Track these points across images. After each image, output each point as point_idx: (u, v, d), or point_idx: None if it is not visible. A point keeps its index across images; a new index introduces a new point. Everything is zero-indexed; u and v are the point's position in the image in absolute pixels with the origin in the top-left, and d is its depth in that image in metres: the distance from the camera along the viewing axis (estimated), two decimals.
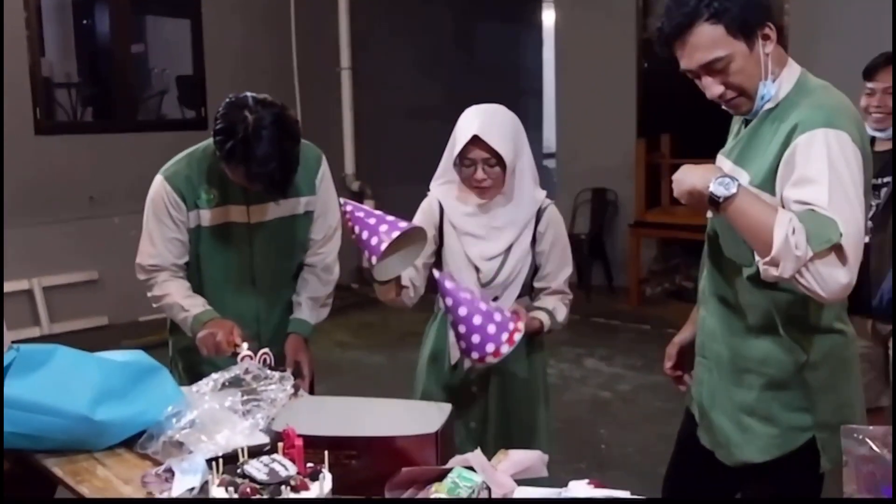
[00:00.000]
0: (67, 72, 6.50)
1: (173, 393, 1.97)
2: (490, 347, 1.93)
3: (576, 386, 4.63)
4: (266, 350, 2.16)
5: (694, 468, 1.90)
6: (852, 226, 1.47)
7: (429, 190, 2.30)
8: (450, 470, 1.48)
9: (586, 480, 1.44)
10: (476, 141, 2.08)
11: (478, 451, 1.50)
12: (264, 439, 1.84)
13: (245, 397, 2.03)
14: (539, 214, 2.23)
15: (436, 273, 2.07)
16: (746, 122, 1.72)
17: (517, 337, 1.95)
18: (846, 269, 1.46)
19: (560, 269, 2.27)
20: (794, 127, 1.57)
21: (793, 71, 1.66)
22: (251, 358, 2.14)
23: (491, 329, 1.94)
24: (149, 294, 2.35)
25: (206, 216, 2.27)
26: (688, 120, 6.29)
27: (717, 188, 1.52)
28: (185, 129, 6.18)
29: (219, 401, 2.12)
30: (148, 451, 1.85)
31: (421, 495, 1.47)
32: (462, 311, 1.95)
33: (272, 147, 2.04)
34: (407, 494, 1.51)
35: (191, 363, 2.39)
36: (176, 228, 2.28)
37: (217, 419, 2.00)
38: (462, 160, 2.13)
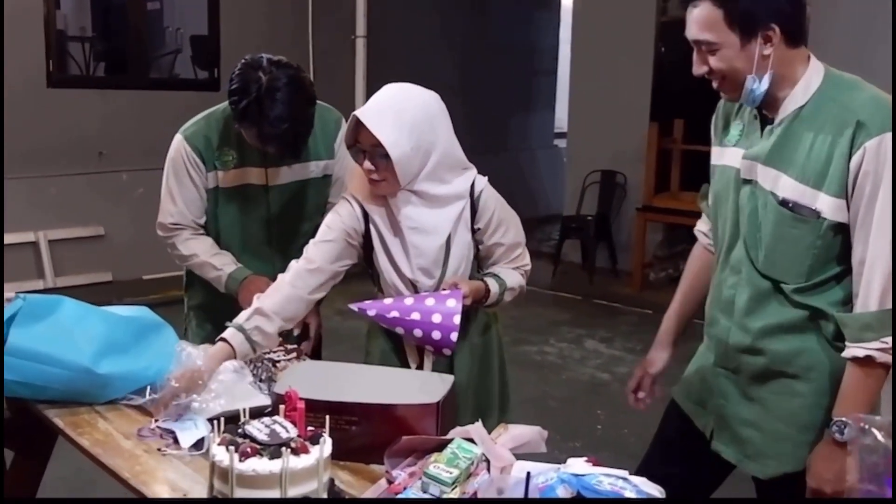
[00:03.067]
0: (82, 25, 6.46)
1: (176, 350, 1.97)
2: (454, 336, 1.82)
3: (574, 366, 4.65)
4: None
5: (675, 466, 1.86)
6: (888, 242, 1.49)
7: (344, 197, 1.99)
8: (450, 440, 1.49)
9: (584, 458, 1.44)
10: (360, 126, 1.83)
11: (478, 424, 1.51)
12: (265, 401, 1.85)
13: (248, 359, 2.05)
14: (474, 203, 1.95)
15: (352, 307, 1.89)
16: (762, 118, 1.65)
17: (459, 303, 1.83)
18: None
19: (512, 248, 2.02)
20: (854, 122, 1.50)
21: (815, 69, 1.59)
22: None
23: (436, 318, 1.82)
24: (173, 252, 2.35)
25: (223, 177, 2.27)
26: (702, 106, 6.25)
27: (851, 433, 1.48)
28: (197, 89, 6.16)
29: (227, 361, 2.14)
30: (149, 406, 1.86)
31: (420, 465, 1.48)
32: (402, 325, 1.86)
33: (285, 108, 2.03)
34: (405, 463, 1.52)
35: (203, 320, 2.42)
36: (195, 188, 2.28)
37: (219, 379, 2.02)
38: (354, 146, 1.88)
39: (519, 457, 1.53)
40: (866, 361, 1.51)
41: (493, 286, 1.97)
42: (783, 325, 1.63)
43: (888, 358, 1.49)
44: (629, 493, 1.31)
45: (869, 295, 1.50)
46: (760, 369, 1.68)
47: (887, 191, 1.48)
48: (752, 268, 1.65)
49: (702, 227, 1.94)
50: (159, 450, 1.68)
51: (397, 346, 2.01)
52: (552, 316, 5.49)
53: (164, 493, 1.51)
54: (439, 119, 1.89)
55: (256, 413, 1.56)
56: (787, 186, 1.58)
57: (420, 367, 1.98)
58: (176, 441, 1.71)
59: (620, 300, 5.84)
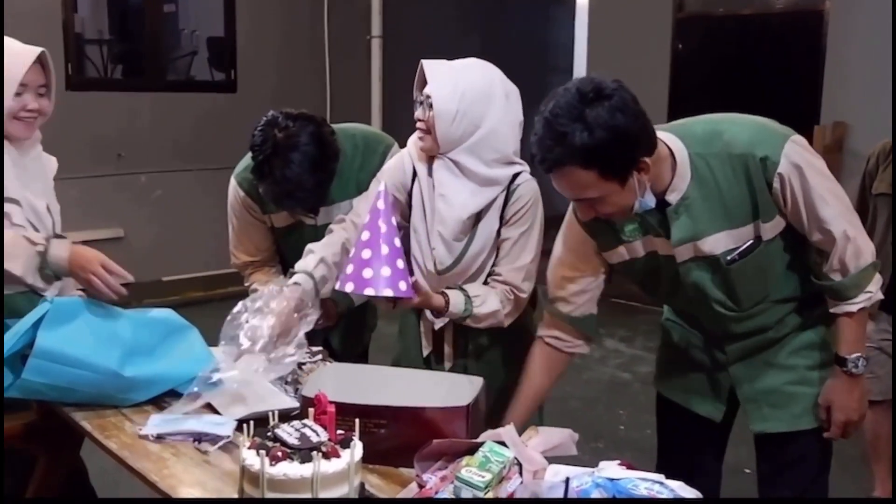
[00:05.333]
0: (99, 28, 6.49)
1: (202, 353, 1.97)
2: (402, 285, 1.75)
3: (595, 366, 4.62)
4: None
5: (692, 454, 1.95)
6: (851, 211, 1.66)
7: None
8: (481, 444, 1.47)
9: (617, 461, 1.43)
10: (422, 72, 1.90)
11: (510, 427, 1.49)
12: (293, 403, 1.85)
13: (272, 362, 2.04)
14: (510, 193, 1.93)
15: (381, 186, 1.82)
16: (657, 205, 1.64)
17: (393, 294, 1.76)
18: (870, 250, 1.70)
19: (516, 256, 1.94)
20: (756, 162, 1.59)
21: (675, 146, 1.62)
22: None
23: (385, 272, 1.74)
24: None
25: (276, 218, 2.29)
26: (720, 104, 6.23)
27: (862, 366, 1.70)
28: (213, 90, 6.18)
29: (247, 364, 2.13)
30: (175, 410, 1.86)
31: (451, 468, 1.46)
32: (365, 237, 1.76)
33: (299, 168, 2.00)
34: (436, 466, 1.50)
35: None
36: (256, 226, 2.31)
37: (245, 381, 2.01)
38: (419, 95, 1.93)
39: (549, 460, 1.52)
40: (858, 312, 1.68)
41: (456, 306, 1.89)
42: (777, 317, 1.77)
43: (873, 301, 1.68)
44: (666, 498, 1.29)
45: (845, 263, 1.64)
46: (769, 344, 1.79)
47: (815, 184, 1.60)
48: (738, 313, 1.75)
49: (550, 332, 1.88)
50: (197, 447, 1.68)
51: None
52: None
53: (194, 495, 1.50)
54: (497, 99, 1.89)
55: (283, 415, 1.55)
56: (725, 241, 1.65)
57: (440, 354, 2.06)
58: (198, 441, 1.70)
59: (640, 299, 5.76)
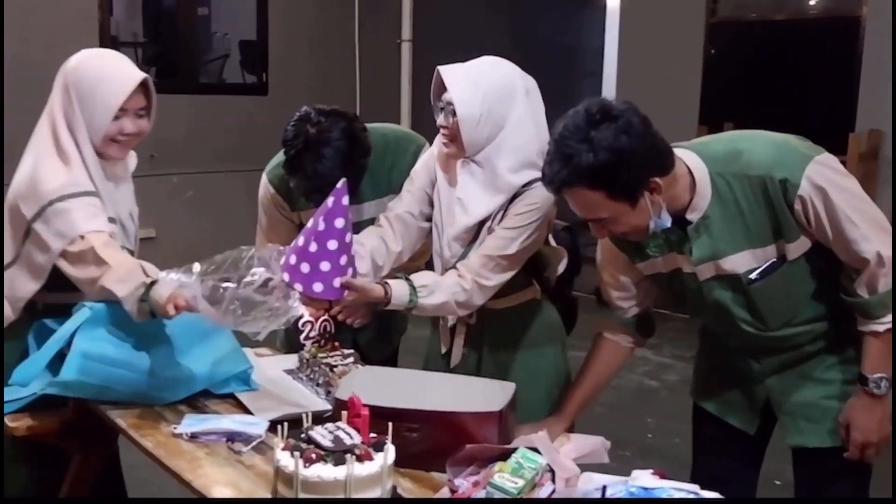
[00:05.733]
0: (134, 31, 6.59)
1: (236, 354, 1.99)
2: (318, 287, 1.75)
3: (622, 373, 4.51)
4: (327, 318, 2.17)
5: (728, 464, 1.92)
6: (884, 224, 1.61)
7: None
8: (513, 449, 1.47)
9: (651, 470, 1.42)
10: (440, 78, 1.88)
11: (543, 433, 1.49)
12: (324, 406, 1.86)
13: (306, 363, 2.06)
14: (516, 195, 1.90)
15: (340, 183, 1.80)
16: (676, 223, 1.64)
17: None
18: None
19: (494, 247, 1.88)
20: (776, 184, 1.57)
21: (694, 164, 1.61)
22: (311, 324, 2.16)
23: (324, 266, 1.75)
24: None
25: (305, 216, 2.28)
26: (752, 108, 6.18)
27: (885, 387, 1.65)
28: (245, 93, 6.23)
29: (280, 365, 2.16)
30: (209, 410, 1.88)
31: (483, 474, 1.46)
32: (306, 227, 1.77)
33: (330, 162, 2.00)
34: (468, 472, 1.50)
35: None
36: (286, 222, 2.31)
37: (278, 383, 2.03)
38: (437, 101, 1.92)
39: (581, 467, 1.51)
40: (885, 333, 1.64)
41: (399, 298, 1.84)
42: (813, 333, 1.74)
43: None
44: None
45: (874, 283, 1.60)
46: (806, 357, 1.76)
47: (840, 204, 1.57)
48: (763, 332, 1.72)
49: (606, 331, 1.93)
50: (230, 447, 1.69)
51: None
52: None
53: (227, 495, 1.52)
54: (519, 96, 1.88)
55: (316, 417, 1.56)
56: (747, 260, 1.64)
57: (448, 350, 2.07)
58: (230, 440, 1.72)
59: (667, 306, 5.74)
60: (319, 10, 6.44)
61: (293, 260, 1.77)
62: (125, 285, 1.74)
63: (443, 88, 1.89)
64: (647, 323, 1.93)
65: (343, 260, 1.78)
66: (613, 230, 1.62)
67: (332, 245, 1.76)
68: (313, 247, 1.76)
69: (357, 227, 2.25)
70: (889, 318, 1.62)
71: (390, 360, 2.49)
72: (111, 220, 1.95)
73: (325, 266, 1.76)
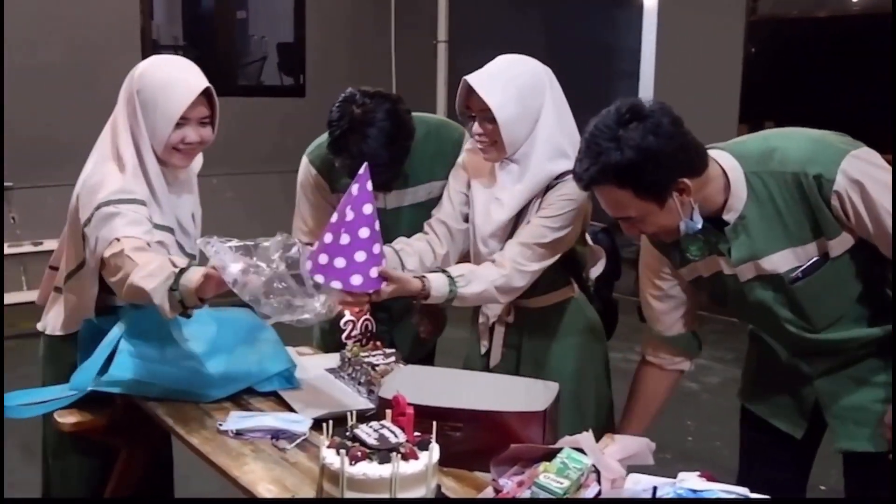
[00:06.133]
0: (174, 35, 6.68)
1: (279, 352, 2.01)
2: (356, 280, 1.70)
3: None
4: (369, 317, 2.18)
5: (774, 471, 1.89)
6: None
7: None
8: (558, 450, 1.46)
9: (698, 473, 1.40)
10: (472, 90, 1.89)
11: (588, 434, 1.48)
12: (366, 405, 1.87)
13: (349, 362, 2.07)
14: (549, 187, 1.94)
15: (363, 168, 1.78)
16: (713, 223, 1.64)
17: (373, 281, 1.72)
18: None
19: (530, 235, 1.91)
20: (811, 181, 1.55)
21: (728, 165, 1.60)
22: (353, 323, 2.17)
23: (360, 257, 1.71)
24: None
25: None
26: (793, 106, 6.08)
27: None
28: (283, 95, 6.29)
29: (321, 364, 2.17)
30: (253, 408, 1.90)
31: (527, 474, 1.45)
32: (333, 219, 1.73)
33: (375, 142, 2.02)
34: (512, 471, 1.50)
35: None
36: (325, 206, 2.31)
37: (320, 381, 2.05)
38: (465, 111, 1.95)
39: (627, 469, 1.50)
40: None
41: (439, 289, 1.83)
42: (865, 336, 1.69)
43: None
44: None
45: None
46: (864, 363, 1.72)
47: (878, 196, 1.53)
48: (810, 333, 1.70)
49: (650, 351, 1.91)
50: (274, 444, 1.71)
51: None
52: (636, 323, 5.36)
53: (273, 493, 1.53)
54: (546, 88, 1.92)
55: (358, 416, 1.56)
56: (789, 259, 1.62)
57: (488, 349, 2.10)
58: (275, 438, 1.74)
59: (705, 307, 5.67)
60: (355, 11, 6.48)
61: (324, 259, 1.72)
62: (153, 279, 1.69)
63: (470, 97, 1.91)
64: (694, 338, 1.90)
65: (376, 248, 1.75)
66: (643, 229, 1.63)
67: (364, 233, 1.73)
68: (345, 238, 1.71)
69: (399, 214, 2.28)
70: None
71: (426, 361, 2.49)
72: (167, 228, 1.96)
73: (360, 256, 1.72)
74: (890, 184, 1.56)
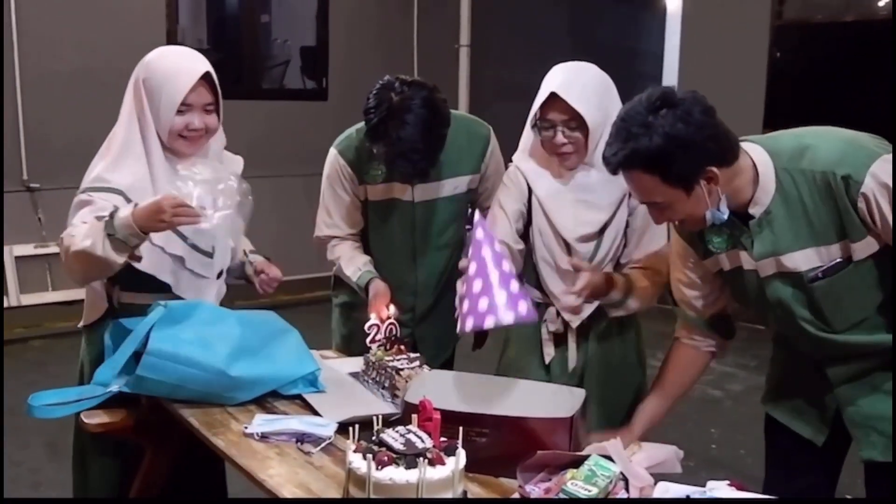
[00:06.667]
0: (199, 38, 6.72)
1: (304, 355, 2.01)
2: (523, 308, 1.64)
3: None
4: (393, 321, 2.18)
5: (800, 479, 1.87)
6: None
7: (510, 161, 2.17)
8: (586, 457, 1.45)
9: (727, 482, 1.39)
10: (555, 99, 1.93)
11: (616, 441, 1.47)
12: (391, 409, 1.86)
13: (372, 366, 2.07)
14: None
15: (477, 215, 1.78)
16: (739, 218, 1.64)
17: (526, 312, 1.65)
18: None
19: (648, 243, 2.04)
20: (839, 181, 1.53)
21: (760, 159, 1.60)
22: (377, 327, 2.17)
23: (514, 287, 1.66)
24: (328, 258, 2.44)
25: (372, 191, 2.32)
26: (819, 112, 6.01)
27: None
28: (305, 98, 6.31)
29: (345, 368, 2.17)
30: (278, 411, 1.90)
31: (555, 481, 1.45)
32: (472, 270, 1.68)
33: (411, 129, 2.04)
34: (538, 478, 1.49)
35: (346, 318, 2.49)
36: (350, 199, 2.34)
37: (343, 385, 2.05)
38: (541, 122, 1.98)
39: (654, 477, 1.49)
40: None
41: (620, 286, 1.96)
42: (885, 343, 1.66)
43: None
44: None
45: None
46: (879, 372, 1.69)
47: None
48: (829, 334, 1.67)
49: (683, 333, 1.92)
50: (300, 447, 1.71)
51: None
52: (659, 328, 5.30)
53: (299, 495, 1.53)
54: (613, 89, 2.01)
55: (383, 421, 1.56)
56: (811, 258, 1.61)
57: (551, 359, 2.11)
58: (300, 441, 1.74)
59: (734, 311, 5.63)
60: (378, 15, 6.49)
61: (483, 305, 1.63)
62: (89, 238, 1.79)
63: (550, 107, 1.94)
64: (725, 323, 1.88)
65: (517, 280, 1.71)
66: (670, 217, 1.63)
67: (507, 266, 1.69)
68: (494, 275, 1.65)
69: (435, 205, 2.29)
70: None
71: (446, 365, 2.49)
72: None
73: (514, 286, 1.67)
74: None
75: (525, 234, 2.10)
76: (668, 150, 1.50)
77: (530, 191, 2.07)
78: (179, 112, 1.96)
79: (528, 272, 2.12)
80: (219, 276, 2.13)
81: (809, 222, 1.59)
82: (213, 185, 1.87)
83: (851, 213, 1.55)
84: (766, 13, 6.16)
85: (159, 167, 1.98)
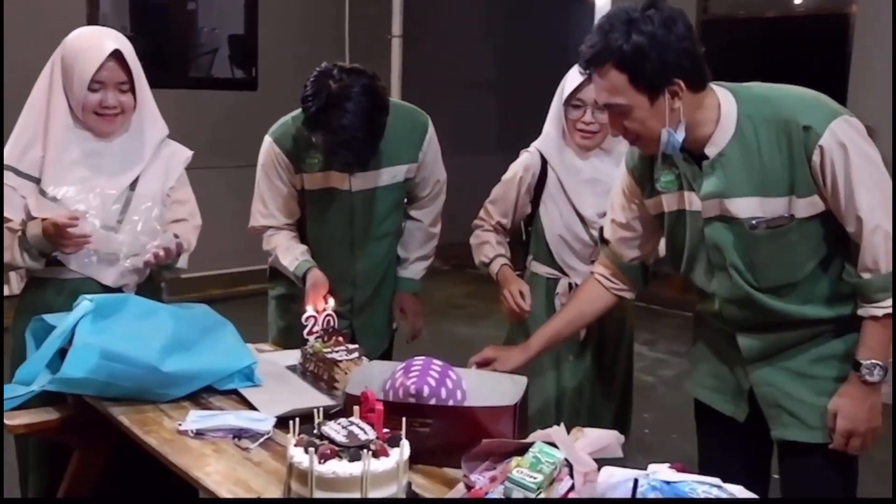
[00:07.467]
0: (122, 25, 6.50)
1: (239, 349, 1.96)
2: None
3: None
4: (330, 312, 2.14)
5: (736, 457, 1.89)
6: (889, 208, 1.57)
7: (526, 150, 2.29)
8: (530, 444, 1.45)
9: (667, 464, 1.40)
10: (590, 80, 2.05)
11: (560, 427, 1.47)
12: (329, 401, 1.83)
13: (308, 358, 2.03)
14: None
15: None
16: (695, 159, 1.67)
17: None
18: None
19: None
20: (799, 130, 1.57)
21: (725, 99, 1.64)
22: (315, 318, 2.13)
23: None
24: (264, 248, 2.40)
25: (308, 180, 2.28)
26: None
27: (879, 374, 1.62)
28: (234, 88, 6.17)
29: (281, 361, 2.13)
30: (213, 406, 1.85)
31: (500, 469, 1.44)
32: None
33: (351, 118, 2.00)
34: (483, 467, 1.48)
35: (284, 310, 2.45)
36: (286, 188, 2.29)
37: (280, 379, 2.00)
38: (571, 100, 2.14)
39: (597, 462, 1.49)
40: (884, 318, 1.60)
41: None
42: (802, 316, 1.70)
43: None
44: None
45: (877, 260, 1.58)
46: (798, 355, 1.73)
47: (858, 167, 1.55)
48: (752, 289, 1.69)
49: (600, 270, 1.98)
50: (237, 443, 1.66)
51: None
52: (670, 332, 5.34)
53: (239, 493, 1.48)
54: None
55: (325, 414, 1.53)
56: (754, 207, 1.63)
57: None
58: (237, 437, 1.69)
59: (662, 303, 5.72)
60: (310, 5, 6.39)
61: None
62: (8, 252, 1.91)
63: (582, 88, 2.09)
64: (643, 271, 1.96)
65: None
66: (628, 126, 1.64)
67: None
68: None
69: (373, 194, 2.27)
70: (887, 301, 1.59)
71: (385, 356, 2.47)
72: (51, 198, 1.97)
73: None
74: (873, 158, 1.57)
75: (532, 215, 2.28)
76: (643, 50, 1.54)
77: (542, 176, 2.22)
78: (93, 90, 1.96)
79: (540, 249, 2.28)
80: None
81: (762, 171, 1.61)
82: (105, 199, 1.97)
83: (804, 166, 1.57)
84: (692, 8, 6.29)
85: (58, 146, 1.97)
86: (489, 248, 2.27)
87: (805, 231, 1.64)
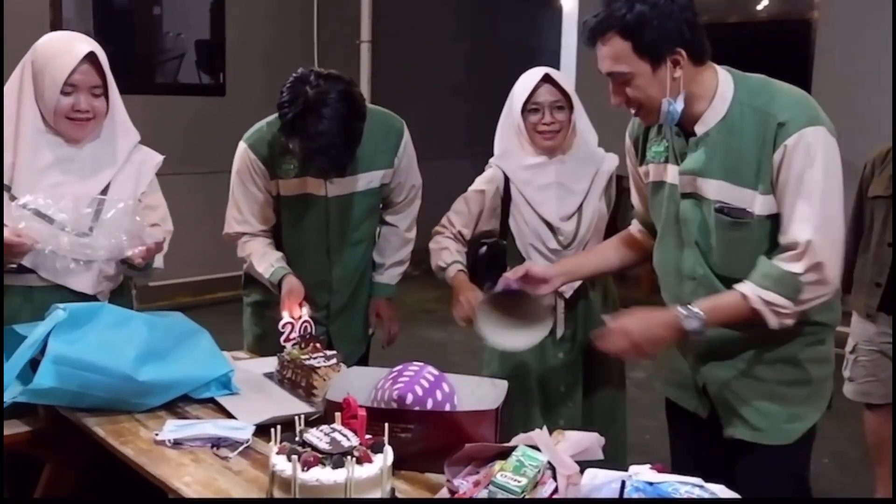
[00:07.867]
0: (86, 30, 6.40)
1: (215, 357, 1.94)
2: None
3: None
4: (307, 319, 2.13)
5: (706, 453, 1.89)
6: (833, 230, 1.60)
7: (489, 166, 2.32)
8: (512, 448, 1.45)
9: (649, 465, 1.41)
10: (545, 82, 2.18)
11: (543, 431, 1.47)
12: (307, 408, 1.82)
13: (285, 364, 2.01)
14: (602, 164, 2.32)
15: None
16: (683, 133, 1.72)
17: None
18: (830, 281, 1.61)
19: None
20: (775, 125, 1.60)
21: (725, 79, 1.68)
22: (292, 325, 2.11)
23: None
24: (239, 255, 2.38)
25: (284, 185, 2.26)
26: None
27: (693, 325, 1.63)
28: (202, 93, 6.11)
29: (258, 368, 2.11)
30: (190, 416, 1.83)
31: (483, 473, 1.44)
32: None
33: (328, 124, 1.99)
34: (466, 472, 1.48)
35: (259, 317, 2.43)
36: (261, 194, 2.27)
37: (257, 386, 1.99)
38: (528, 105, 2.19)
39: (579, 464, 1.50)
40: (746, 300, 1.62)
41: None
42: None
43: (762, 308, 1.61)
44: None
45: (792, 262, 1.59)
46: (750, 357, 1.75)
47: (813, 178, 1.57)
48: (710, 271, 1.73)
49: (636, 227, 2.06)
50: (216, 452, 1.64)
51: None
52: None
53: None
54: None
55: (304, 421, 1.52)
56: (722, 192, 1.66)
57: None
58: (216, 446, 1.67)
59: (630, 304, 5.77)
60: (278, 10, 6.35)
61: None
62: None
63: (537, 91, 2.18)
64: None
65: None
66: (630, 94, 1.67)
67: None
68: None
69: (349, 200, 2.27)
70: (758, 291, 1.59)
71: (362, 362, 2.47)
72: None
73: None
74: (835, 180, 1.59)
75: (503, 229, 2.30)
76: (647, 17, 1.58)
77: (507, 190, 2.25)
78: (65, 93, 1.93)
79: (514, 259, 2.27)
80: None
81: (738, 158, 1.64)
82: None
83: (768, 161, 1.60)
84: None
85: (27, 151, 1.93)
86: (447, 254, 2.26)
87: (761, 231, 1.66)
